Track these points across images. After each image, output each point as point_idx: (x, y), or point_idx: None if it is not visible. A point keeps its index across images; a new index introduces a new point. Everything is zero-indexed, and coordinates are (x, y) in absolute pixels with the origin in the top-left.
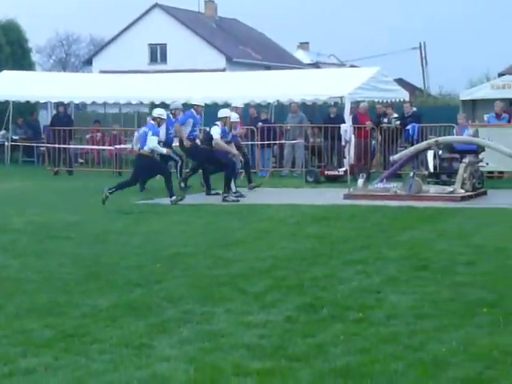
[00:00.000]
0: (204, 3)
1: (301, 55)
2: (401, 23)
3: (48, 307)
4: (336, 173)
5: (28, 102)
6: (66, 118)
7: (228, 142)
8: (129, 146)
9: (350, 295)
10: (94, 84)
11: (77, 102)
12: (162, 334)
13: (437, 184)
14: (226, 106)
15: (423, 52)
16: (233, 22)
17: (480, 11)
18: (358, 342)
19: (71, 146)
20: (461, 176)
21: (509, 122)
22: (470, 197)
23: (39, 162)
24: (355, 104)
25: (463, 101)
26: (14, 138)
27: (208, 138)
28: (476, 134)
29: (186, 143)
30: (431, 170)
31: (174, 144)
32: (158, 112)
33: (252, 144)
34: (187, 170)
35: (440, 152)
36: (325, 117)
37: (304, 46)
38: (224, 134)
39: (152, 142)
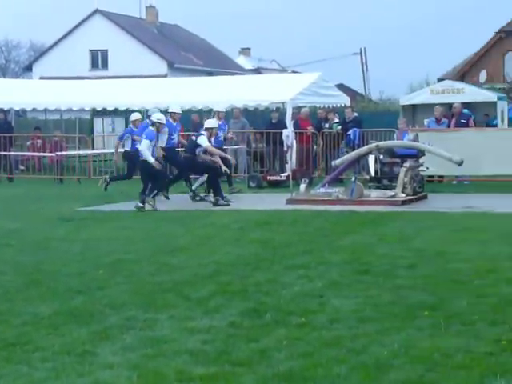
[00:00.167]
0: (145, 9)
1: (242, 61)
2: (342, 29)
3: None
4: (278, 178)
5: None
6: (6, 124)
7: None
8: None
9: (292, 300)
10: (34, 90)
11: (17, 108)
12: (104, 341)
13: (378, 188)
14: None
15: (364, 57)
16: (174, 28)
17: (420, 17)
18: (300, 346)
19: (12, 153)
20: (401, 180)
21: (448, 126)
22: (410, 201)
23: None
24: (297, 109)
25: (403, 106)
26: None
27: (193, 146)
28: (416, 139)
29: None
30: (372, 174)
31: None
32: (158, 117)
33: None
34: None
35: (381, 157)
36: (267, 122)
37: (245, 51)
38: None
39: (142, 145)
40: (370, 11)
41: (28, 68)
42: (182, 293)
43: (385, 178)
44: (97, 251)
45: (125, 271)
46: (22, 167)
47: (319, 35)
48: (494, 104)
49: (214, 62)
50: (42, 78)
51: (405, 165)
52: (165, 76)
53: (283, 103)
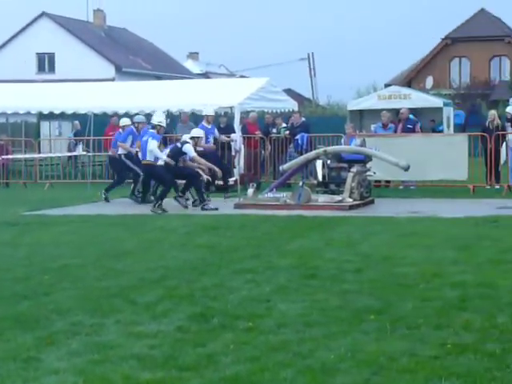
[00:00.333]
0: (92, 12)
1: (191, 65)
2: (290, 34)
3: None
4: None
5: None
6: None
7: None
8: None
9: (239, 304)
10: None
11: None
12: (50, 347)
13: (325, 193)
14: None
15: (311, 63)
16: (122, 32)
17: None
18: (247, 350)
19: None
20: (349, 185)
21: (395, 131)
22: (357, 206)
23: None
24: (245, 114)
25: (351, 111)
26: None
27: (177, 153)
28: (363, 144)
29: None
30: (320, 179)
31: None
32: (158, 120)
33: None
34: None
35: (328, 162)
36: (216, 126)
37: (194, 55)
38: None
39: (152, 145)
40: (318, 17)
41: None
42: (129, 297)
43: (332, 183)
44: (43, 256)
45: (71, 276)
46: None
47: (267, 40)
48: (440, 110)
49: (162, 66)
50: None
51: (352, 170)
52: (112, 80)
53: (231, 108)
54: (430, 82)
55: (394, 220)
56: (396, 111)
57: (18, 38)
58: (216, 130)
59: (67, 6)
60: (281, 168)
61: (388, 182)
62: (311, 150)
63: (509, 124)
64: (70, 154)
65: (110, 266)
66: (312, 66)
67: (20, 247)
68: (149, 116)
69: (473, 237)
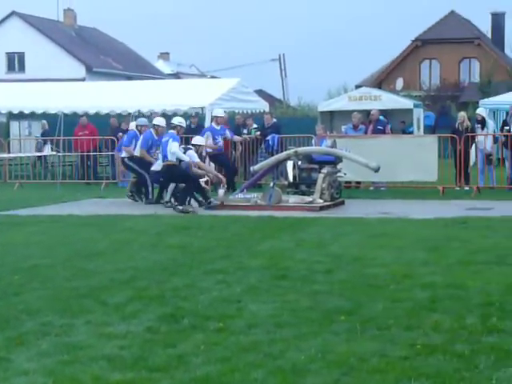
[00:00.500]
0: (63, 12)
1: (161, 65)
2: (260, 35)
3: None
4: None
5: None
6: None
7: None
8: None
9: (210, 305)
10: None
11: None
12: (19, 347)
13: (296, 194)
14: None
15: (282, 63)
16: (93, 31)
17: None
18: (218, 351)
19: None
20: (319, 186)
21: (365, 133)
22: (328, 206)
23: None
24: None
25: (321, 112)
26: None
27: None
28: (334, 145)
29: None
30: (291, 180)
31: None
32: (179, 120)
33: (112, 155)
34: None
35: (299, 162)
36: (186, 127)
37: (164, 56)
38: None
39: (174, 147)
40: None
41: None
42: (99, 298)
43: (303, 184)
44: (13, 256)
45: (41, 276)
46: None
47: (238, 41)
48: (410, 111)
49: (133, 67)
50: None
51: (323, 171)
52: (83, 80)
53: (202, 108)
54: (400, 83)
55: (364, 221)
56: (366, 112)
57: None
58: (227, 131)
59: (37, 5)
60: (252, 169)
61: (358, 183)
62: (282, 151)
63: (478, 126)
64: (39, 153)
65: (80, 266)
66: (283, 67)
67: None
68: (120, 116)
69: (442, 238)
